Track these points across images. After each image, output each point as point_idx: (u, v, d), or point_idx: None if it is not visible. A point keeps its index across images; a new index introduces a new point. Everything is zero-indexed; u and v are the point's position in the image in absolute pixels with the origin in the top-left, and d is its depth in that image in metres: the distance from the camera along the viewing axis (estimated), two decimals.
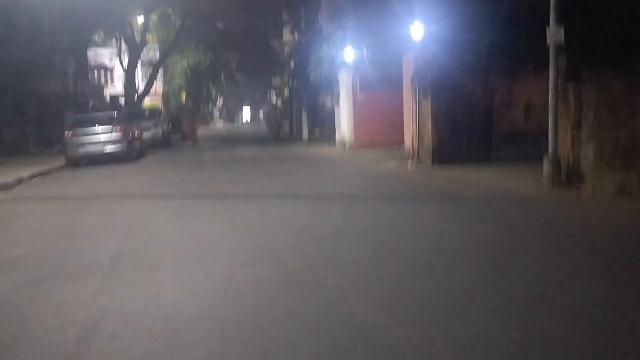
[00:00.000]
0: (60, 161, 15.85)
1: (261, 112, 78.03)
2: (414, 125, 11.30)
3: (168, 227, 6.42)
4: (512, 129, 10.47)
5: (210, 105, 59.23)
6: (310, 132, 21.20)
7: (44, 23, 24.29)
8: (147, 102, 34.77)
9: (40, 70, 22.67)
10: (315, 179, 10.52)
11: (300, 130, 22.47)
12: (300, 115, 22.37)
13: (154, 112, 24.37)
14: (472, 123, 10.65)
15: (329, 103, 17.87)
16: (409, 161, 11.32)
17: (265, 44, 53.81)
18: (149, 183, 10.93)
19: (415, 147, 11.32)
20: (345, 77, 16.00)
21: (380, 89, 15.70)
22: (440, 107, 10.55)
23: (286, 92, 30.79)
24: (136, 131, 17.73)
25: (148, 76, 38.13)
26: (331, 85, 16.83)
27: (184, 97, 47.53)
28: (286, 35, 41.89)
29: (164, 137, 22.99)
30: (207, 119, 58.14)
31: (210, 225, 6.34)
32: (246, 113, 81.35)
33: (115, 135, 15.78)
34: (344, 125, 16.33)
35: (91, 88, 28.39)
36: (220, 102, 65.51)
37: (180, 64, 43.67)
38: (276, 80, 49.13)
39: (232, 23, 41.89)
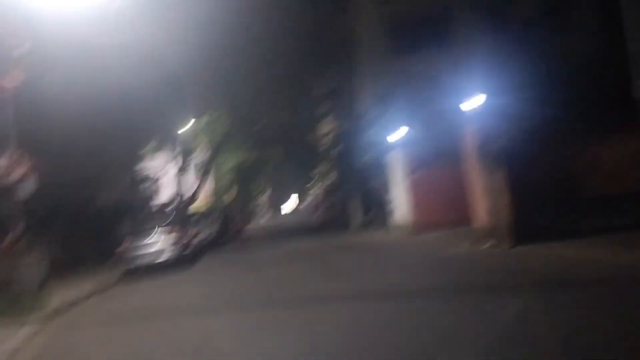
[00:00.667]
0: (119, 273, 15.64)
1: (304, 203, 78.66)
2: (485, 201, 10.49)
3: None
4: (601, 194, 9.50)
5: (256, 201, 60.07)
6: (362, 218, 20.55)
7: (100, 137, 25.50)
8: (197, 203, 35.35)
9: (95, 184, 23.40)
10: (388, 271, 9.68)
11: (349, 217, 21.89)
12: (348, 202, 21.90)
13: (205, 215, 24.45)
14: (554, 192, 9.76)
15: (381, 186, 17.32)
16: (485, 241, 10.39)
17: (303, 137, 55.44)
18: (210, 292, 10.34)
19: (490, 225, 10.42)
20: (398, 158, 15.55)
21: (437, 166, 15.11)
22: (516, 178, 9.77)
23: (328, 180, 30.62)
24: (189, 236, 17.57)
25: (196, 180, 39.35)
26: (382, 168, 16.38)
27: (231, 196, 48.46)
28: (325, 126, 42.89)
29: (215, 238, 22.80)
30: (254, 214, 58.66)
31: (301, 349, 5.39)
32: (290, 203, 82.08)
33: (168, 242, 15.60)
34: (401, 207, 15.63)
35: (144, 198, 29.09)
36: (266, 195, 66.44)
37: (227, 164, 44.94)
38: (316, 171, 49.79)
39: (273, 120, 43.34)
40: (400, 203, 15.71)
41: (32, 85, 19.34)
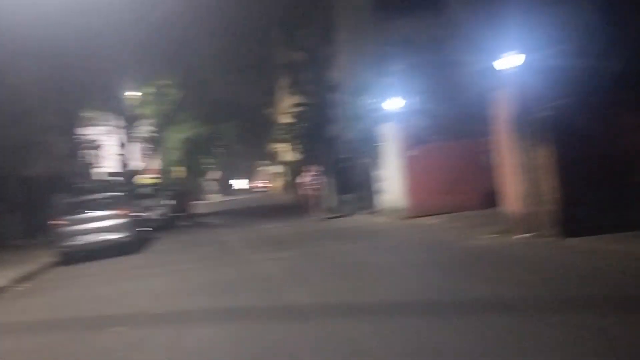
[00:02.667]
0: (50, 256, 12.80)
1: (258, 182, 75.88)
2: (520, 182, 8.57)
3: None
4: None
5: (204, 178, 56.76)
6: (341, 200, 18.41)
7: (29, 99, 21.94)
8: (143, 177, 32.20)
9: (25, 152, 20.03)
10: (397, 268, 7.60)
11: (322, 198, 19.68)
12: (321, 181, 19.66)
13: (156, 189, 21.52)
14: (607, 174, 7.96)
15: (366, 163, 15.20)
16: (519, 231, 8.50)
17: (257, 112, 52.67)
18: (174, 288, 7.92)
19: (525, 211, 8.52)
20: (392, 131, 13.46)
21: (439, 141, 13.18)
22: (564, 155, 7.88)
23: (296, 156, 28.17)
24: (137, 213, 14.85)
25: (143, 152, 35.92)
26: (370, 143, 14.24)
27: (180, 172, 44.97)
28: (291, 97, 40.31)
29: (167, 217, 20.02)
30: (204, 192, 55.42)
31: None
32: (239, 184, 79.08)
33: (118, 220, 12.87)
34: (393, 188, 13.60)
35: (83, 168, 25.67)
36: (217, 174, 63.11)
37: (176, 138, 41.46)
38: (276, 147, 47.19)
39: (226, 92, 40.52)
40: (392, 183, 13.67)
41: None
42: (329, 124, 22.19)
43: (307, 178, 15.75)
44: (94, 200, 13.73)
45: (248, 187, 76.43)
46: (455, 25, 11.69)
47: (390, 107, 13.40)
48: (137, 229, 13.56)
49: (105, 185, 24.40)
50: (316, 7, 23.52)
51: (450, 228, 10.93)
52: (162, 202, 19.97)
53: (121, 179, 27.54)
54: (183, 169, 44.86)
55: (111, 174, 30.08)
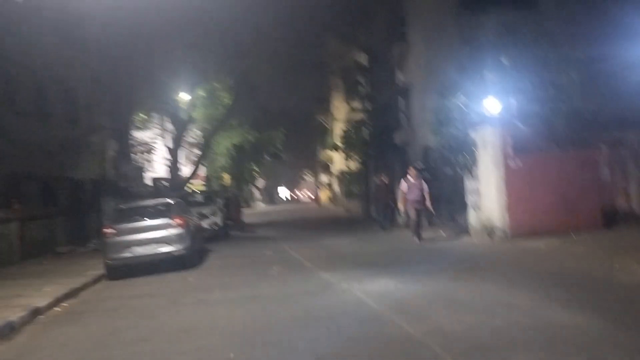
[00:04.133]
0: (96, 268, 11.41)
1: (303, 191, 74.36)
2: None
3: None
4: None
5: (250, 186, 55.64)
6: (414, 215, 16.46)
7: (81, 98, 21.07)
8: (192, 184, 31.15)
9: (74, 152, 19.05)
10: (556, 316, 5.60)
11: (391, 213, 17.74)
12: (391, 193, 17.75)
13: (209, 196, 20.10)
14: None
15: (456, 175, 13.19)
16: None
17: (309, 119, 51.16)
18: (254, 323, 6.15)
19: None
20: (489, 138, 11.44)
21: (547, 150, 11.13)
22: None
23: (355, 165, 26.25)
24: (194, 223, 13.36)
25: (191, 158, 34.91)
26: (461, 151, 12.24)
27: (227, 179, 43.89)
28: (340, 106, 38.60)
29: (221, 226, 18.53)
30: (250, 201, 54.31)
31: None
32: (283, 192, 77.91)
33: (174, 230, 11.34)
34: (488, 204, 11.55)
35: (133, 172, 24.65)
36: (262, 182, 61.99)
37: (224, 144, 40.40)
38: (327, 155, 45.49)
39: (277, 98, 39.27)
40: (487, 198, 11.63)
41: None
42: (397, 130, 20.33)
43: (402, 186, 12.55)
44: (147, 207, 12.27)
45: (291, 197, 75.17)
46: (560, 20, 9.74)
47: (488, 109, 11.40)
48: (194, 241, 12.02)
49: (157, 191, 23.31)
50: (382, 3, 21.81)
51: (575, 255, 8.82)
52: (214, 210, 18.48)
53: (167, 184, 26.46)
54: (229, 176, 43.82)
55: (157, 180, 29.06)
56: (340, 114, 38.70)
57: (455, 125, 12.02)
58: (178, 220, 11.46)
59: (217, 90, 30.99)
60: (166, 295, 8.50)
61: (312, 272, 9.35)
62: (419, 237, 12.20)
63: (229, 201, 22.32)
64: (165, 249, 11.19)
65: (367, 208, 22.39)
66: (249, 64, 28.20)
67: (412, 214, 12.32)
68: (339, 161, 38.71)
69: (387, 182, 16.64)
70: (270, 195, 69.63)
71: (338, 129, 39.15)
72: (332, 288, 7.73)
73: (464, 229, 12.49)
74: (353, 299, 6.95)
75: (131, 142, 26.06)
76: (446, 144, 12.54)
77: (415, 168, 12.85)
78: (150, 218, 11.53)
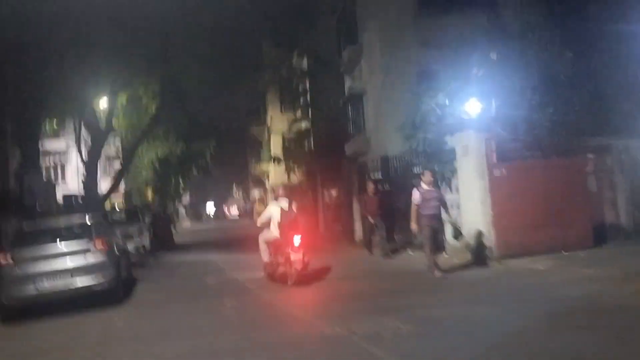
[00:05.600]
0: None
1: (232, 208, 70.99)
2: None
3: None
4: None
5: (176, 202, 52.05)
6: (367, 230, 14.90)
7: None
8: (110, 201, 27.90)
9: None
10: None
11: (350, 230, 16.10)
12: (345, 208, 16.13)
13: (133, 213, 17.42)
14: None
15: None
16: None
17: (241, 131, 48.78)
18: None
19: None
20: (471, 143, 10.09)
21: (535, 158, 9.98)
22: None
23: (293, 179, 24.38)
24: (115, 246, 10.90)
25: (110, 172, 31.55)
26: (435, 159, 10.83)
27: (149, 194, 40.35)
28: (278, 116, 36.71)
29: (148, 249, 15.95)
30: (175, 218, 50.77)
31: None
32: (209, 208, 74.27)
33: (94, 256, 8.91)
34: (471, 218, 10.16)
35: (41, 186, 21.28)
36: (187, 198, 58.40)
37: (148, 156, 37.05)
38: (260, 168, 43.32)
39: (206, 107, 36.79)
40: (469, 212, 10.24)
41: None
42: (348, 140, 18.81)
43: (414, 198, 8.91)
44: (58, 227, 9.70)
45: (219, 214, 71.64)
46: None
47: (469, 112, 10.08)
48: (119, 269, 9.61)
49: (70, 208, 20.15)
50: (328, 6, 20.39)
51: (586, 278, 7.56)
52: (140, 229, 15.89)
53: (81, 201, 23.24)
54: (153, 191, 40.39)
55: (70, 196, 25.54)
56: (277, 126, 36.85)
57: (431, 129, 10.57)
58: (100, 244, 9.05)
59: (141, 96, 27.92)
60: (87, 350, 6.19)
61: (277, 308, 7.38)
62: (436, 265, 8.80)
63: (157, 219, 19.73)
64: (83, 281, 8.73)
65: (316, 224, 20.61)
66: (177, 68, 25.63)
67: (427, 233, 8.68)
68: (275, 175, 36.75)
69: (376, 192, 12.67)
70: (197, 212, 66.02)
71: (275, 141, 37.25)
72: (317, 333, 5.81)
73: (442, 248, 11.01)
74: (358, 350, 5.11)
75: (39, 151, 22.62)
76: (419, 151, 11.05)
77: (430, 173, 9.14)
78: (62, 241, 9.03)
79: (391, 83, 15.21)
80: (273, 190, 39.67)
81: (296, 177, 24.92)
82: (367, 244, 12.78)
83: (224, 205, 73.30)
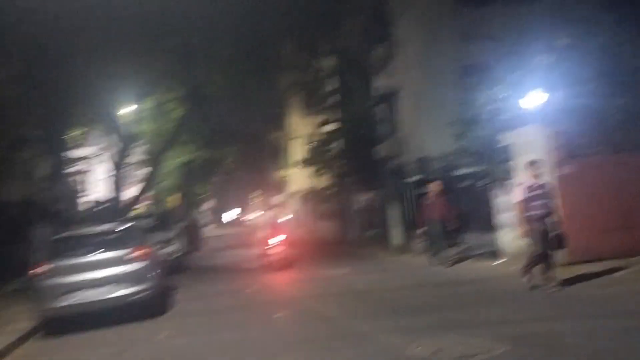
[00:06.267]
0: (23, 320, 8.34)
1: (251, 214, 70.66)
2: None
3: None
4: None
5: (194, 210, 51.89)
6: (407, 235, 14.24)
7: (4, 106, 17.55)
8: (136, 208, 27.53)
9: None
10: None
11: (384, 233, 15.43)
12: (383, 212, 15.47)
13: (164, 219, 17.00)
14: None
15: (480, 187, 11.06)
16: None
17: (262, 137, 48.42)
18: None
19: None
20: (533, 139, 9.38)
21: (606, 153, 9.22)
22: None
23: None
24: (160, 253, 10.46)
25: (135, 179, 31.28)
26: (488, 157, 10.15)
27: (175, 201, 40.12)
28: (300, 120, 36.20)
29: (181, 255, 15.52)
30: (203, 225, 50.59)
31: None
32: (232, 214, 74.03)
33: (133, 265, 8.43)
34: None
35: (68, 194, 21.02)
36: (211, 203, 58.28)
37: (172, 162, 36.82)
38: (281, 174, 42.86)
39: (229, 114, 36.47)
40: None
41: None
42: (379, 141, 18.18)
43: (517, 194, 7.55)
44: (95, 235, 9.24)
45: (239, 219, 71.32)
46: None
47: (530, 105, 9.38)
48: (160, 278, 9.12)
49: (98, 215, 19.85)
50: (357, 4, 19.80)
51: None
52: (174, 236, 15.47)
53: (107, 207, 22.96)
54: (177, 197, 40.20)
55: (98, 202, 25.33)
56: (300, 130, 36.32)
57: (486, 126, 9.89)
58: (140, 252, 8.56)
59: (167, 101, 27.61)
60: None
61: (337, 321, 6.76)
62: (550, 275, 7.35)
63: (189, 226, 19.37)
64: (124, 291, 8.25)
65: (345, 230, 19.95)
66: (201, 72, 25.27)
67: (538, 238, 7.21)
68: (298, 181, 36.21)
69: (440, 194, 11.23)
70: (220, 218, 65.89)
71: (297, 146, 36.75)
72: (397, 355, 5.15)
73: (490, 254, 10.32)
74: None
75: (67, 159, 22.38)
76: (472, 150, 10.37)
77: (538, 164, 7.55)
78: (100, 249, 8.57)
79: (431, 79, 14.59)
80: (294, 195, 39.27)
81: (323, 182, 24.28)
82: (427, 251, 11.46)
83: (246, 211, 73.02)
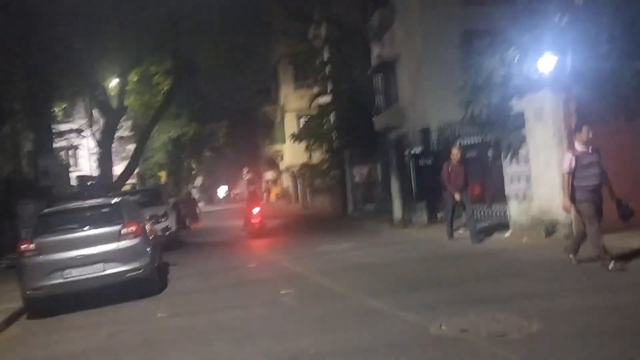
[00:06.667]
0: (11, 300, 7.86)
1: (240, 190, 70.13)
2: None
3: None
4: None
5: (189, 185, 51.11)
6: (408, 208, 13.82)
7: None
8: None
9: None
10: None
11: (385, 207, 15.00)
12: (383, 185, 15.01)
13: (155, 194, 16.40)
14: None
15: (486, 157, 10.61)
16: None
17: (252, 112, 47.46)
18: None
19: None
20: (548, 106, 8.90)
21: (612, 122, 8.76)
22: None
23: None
24: (153, 229, 9.94)
25: (123, 154, 30.52)
26: (501, 125, 9.65)
27: (163, 177, 39.40)
28: (292, 94, 35.39)
29: (173, 232, 15.01)
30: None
31: None
32: (222, 191, 73.40)
33: (126, 241, 7.90)
34: (546, 192, 9.03)
35: (55, 169, 20.29)
36: (199, 180, 57.54)
37: (160, 138, 35.97)
38: (273, 149, 42.15)
39: (217, 88, 35.58)
40: (543, 185, 9.09)
41: None
42: (377, 112, 17.62)
43: (567, 163, 6.62)
44: (84, 210, 8.67)
45: (231, 195, 70.74)
46: None
47: (544, 69, 8.85)
48: (154, 254, 8.62)
49: (85, 191, 19.20)
50: None
51: None
52: (166, 211, 14.92)
53: (94, 183, 22.33)
54: (165, 173, 39.45)
55: (84, 177, 24.61)
56: (291, 104, 35.56)
57: (496, 92, 9.37)
58: (132, 227, 8.03)
59: (153, 75, 26.63)
60: (133, 353, 5.19)
61: (349, 298, 6.31)
62: (609, 257, 6.42)
63: (182, 200, 18.91)
64: (115, 269, 7.73)
65: (344, 204, 19.49)
66: (188, 43, 24.31)
67: (590, 211, 6.42)
68: (291, 155, 35.62)
69: (462, 161, 9.97)
70: (209, 195, 65.18)
71: (289, 120, 36.02)
72: (422, 333, 4.73)
73: (497, 226, 9.92)
74: (485, 357, 4.06)
75: (53, 133, 21.58)
76: (482, 119, 9.86)
77: (588, 129, 6.63)
78: (90, 225, 8.02)
79: (431, 46, 13.97)
80: (287, 170, 38.69)
81: (317, 156, 23.74)
82: (449, 225, 10.14)
83: (236, 187, 72.43)
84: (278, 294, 6.91)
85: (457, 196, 9.64)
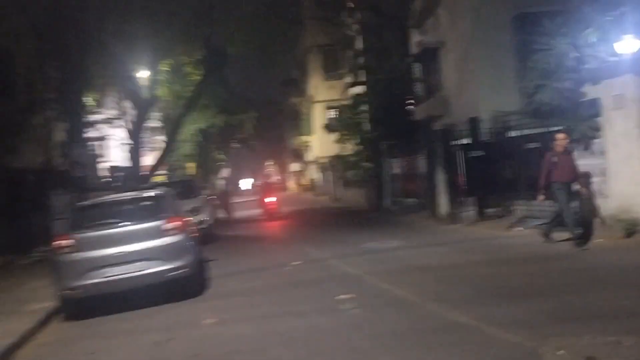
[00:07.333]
0: (43, 298, 7.40)
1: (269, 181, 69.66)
2: None
3: None
4: None
5: (215, 177, 50.92)
6: (455, 203, 13.01)
7: (18, 67, 16.42)
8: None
9: (10, 135, 14.55)
10: None
11: (427, 201, 14.21)
12: (426, 178, 14.20)
13: (189, 186, 15.87)
14: None
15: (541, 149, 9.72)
16: None
17: (279, 104, 46.87)
18: None
19: None
20: (629, 92, 8.01)
21: None
22: None
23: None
24: (194, 224, 9.39)
25: (152, 145, 30.25)
26: (573, 114, 8.77)
27: (192, 168, 39.15)
28: (318, 85, 34.63)
29: (210, 225, 14.52)
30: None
31: None
32: (248, 183, 73.15)
33: (169, 238, 7.34)
34: (626, 187, 8.15)
35: (87, 159, 20.00)
36: (226, 172, 57.25)
37: (189, 129, 35.63)
38: (300, 141, 41.52)
39: (247, 79, 35.13)
40: (623, 179, 8.22)
41: None
42: (417, 102, 16.80)
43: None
44: (122, 203, 8.15)
45: (254, 186, 70.36)
46: None
47: (620, 52, 7.96)
48: (197, 252, 8.06)
49: (117, 182, 18.88)
50: None
51: None
52: (202, 204, 14.41)
53: (124, 174, 22.08)
54: (194, 164, 39.21)
55: (116, 168, 24.38)
56: (321, 94, 34.84)
57: (568, 77, 8.50)
58: (175, 223, 7.47)
59: (185, 63, 26.21)
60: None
61: (423, 308, 5.60)
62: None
63: (220, 193, 18.56)
64: (159, 267, 7.19)
65: (379, 198, 18.73)
66: (219, 33, 23.80)
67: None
68: (319, 147, 34.94)
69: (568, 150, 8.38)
70: (236, 186, 64.97)
71: (318, 111, 35.33)
72: (499, 345, 4.01)
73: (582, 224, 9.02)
74: None
75: (84, 123, 21.28)
76: (546, 106, 9.00)
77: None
78: (130, 220, 7.48)
79: (481, 30, 13.08)
80: (315, 162, 37.99)
81: (350, 148, 22.97)
82: (571, 224, 8.08)
83: (258, 179, 72.01)
84: (336, 299, 6.25)
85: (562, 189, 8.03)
